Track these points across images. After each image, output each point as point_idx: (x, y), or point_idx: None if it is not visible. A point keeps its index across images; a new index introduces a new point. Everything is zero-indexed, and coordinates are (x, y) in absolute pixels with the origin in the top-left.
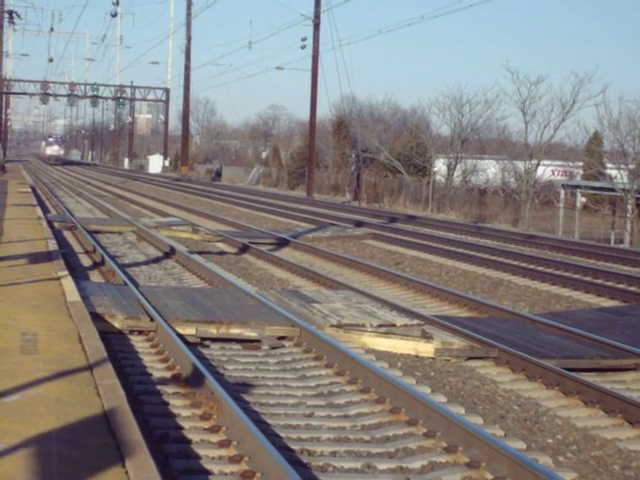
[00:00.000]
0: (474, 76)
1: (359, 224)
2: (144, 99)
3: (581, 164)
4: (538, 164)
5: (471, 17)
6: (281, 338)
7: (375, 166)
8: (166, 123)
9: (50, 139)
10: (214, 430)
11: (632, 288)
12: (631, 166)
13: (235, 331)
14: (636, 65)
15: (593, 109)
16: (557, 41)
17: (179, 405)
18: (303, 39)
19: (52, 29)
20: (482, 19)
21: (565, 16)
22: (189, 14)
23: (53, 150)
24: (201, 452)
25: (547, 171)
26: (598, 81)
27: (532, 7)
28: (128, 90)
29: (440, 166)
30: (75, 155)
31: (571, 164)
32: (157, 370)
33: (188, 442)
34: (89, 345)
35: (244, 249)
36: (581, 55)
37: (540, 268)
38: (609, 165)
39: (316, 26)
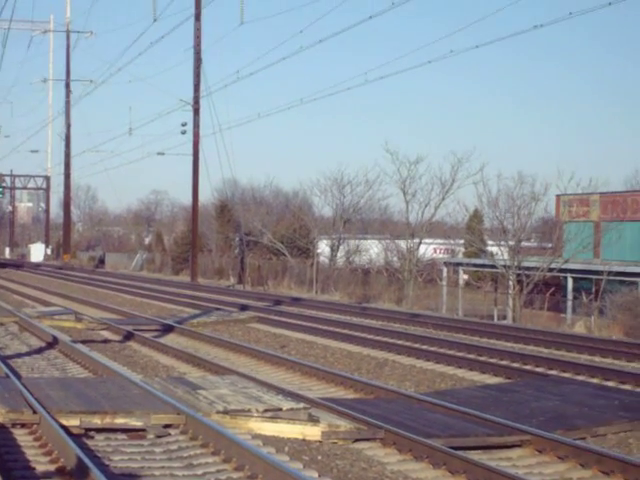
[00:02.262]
0: (354, 157)
1: (244, 308)
2: (24, 187)
3: (462, 242)
4: (420, 243)
5: (349, 98)
6: (167, 426)
7: (259, 249)
8: (47, 211)
9: None
10: None
11: (515, 364)
12: (511, 242)
13: (120, 421)
14: (513, 142)
15: (472, 187)
16: (435, 121)
17: None
18: (183, 124)
19: None
20: (361, 100)
21: (441, 95)
22: (68, 101)
23: None
24: None
25: (429, 249)
26: (476, 160)
27: (409, 87)
28: (8, 179)
29: (323, 247)
30: None
31: (452, 242)
32: (41, 464)
33: None
34: None
35: (129, 336)
36: (459, 134)
37: (425, 347)
38: (490, 242)
39: (196, 111)
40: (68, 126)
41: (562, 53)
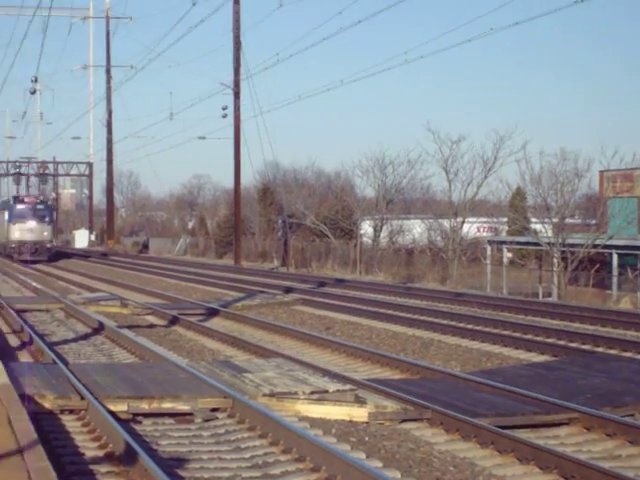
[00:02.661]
0: (396, 137)
1: (288, 290)
2: (67, 174)
3: (506, 220)
4: (463, 221)
5: (390, 79)
6: (214, 410)
7: (302, 231)
8: (90, 197)
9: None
10: None
11: (561, 342)
12: (555, 220)
13: (167, 405)
14: (555, 119)
15: (515, 165)
16: (477, 99)
17: None
18: (224, 108)
19: None
20: (401, 80)
21: (482, 74)
22: (109, 88)
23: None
24: None
25: (472, 228)
26: (518, 137)
27: (449, 66)
28: (51, 166)
29: (366, 228)
30: None
31: (496, 220)
32: (89, 449)
33: None
34: (19, 428)
35: (174, 321)
36: (500, 113)
37: (470, 326)
38: (533, 219)
39: (236, 95)
40: (109, 112)
41: (604, 28)
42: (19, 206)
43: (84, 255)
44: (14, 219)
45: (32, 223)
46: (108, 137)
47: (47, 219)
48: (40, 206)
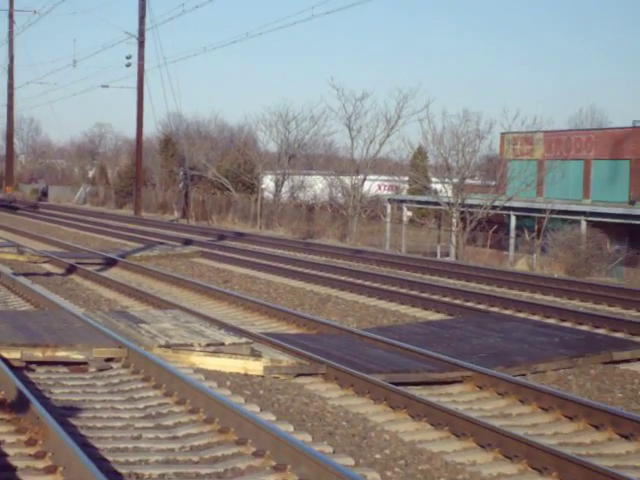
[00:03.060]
0: (300, 93)
1: (188, 242)
2: None
3: (407, 179)
4: (364, 179)
5: (295, 33)
6: (109, 360)
7: (203, 183)
8: None
9: None
10: (39, 456)
11: (457, 301)
12: (455, 180)
13: (62, 354)
14: (457, 80)
15: (417, 124)
16: (381, 57)
17: (3, 432)
18: (128, 57)
19: None
20: (305, 36)
21: (388, 32)
22: (11, 32)
23: None
24: (26, 479)
25: (374, 186)
26: (422, 97)
27: (355, 23)
28: None
29: (268, 183)
30: None
31: (397, 179)
32: None
33: (13, 469)
34: None
35: (71, 270)
36: (404, 71)
37: (367, 283)
38: (434, 179)
39: (141, 44)
40: (11, 57)
41: None
42: None
43: None
44: None
45: None
46: (9, 82)
47: None
48: None
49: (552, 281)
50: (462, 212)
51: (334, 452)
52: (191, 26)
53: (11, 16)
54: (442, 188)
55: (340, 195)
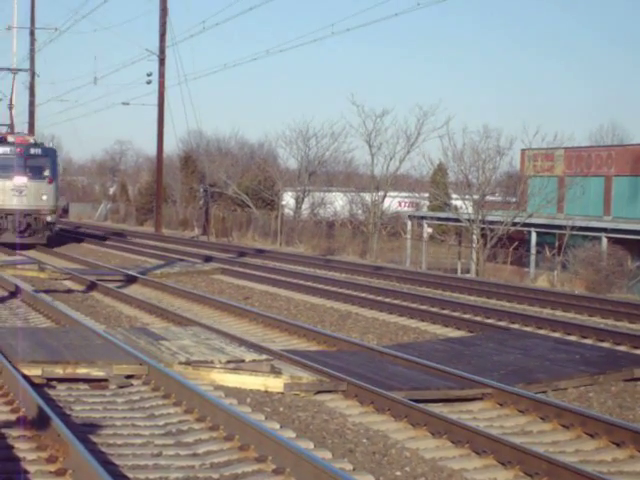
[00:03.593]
0: (321, 110)
1: (208, 259)
2: None
3: (427, 195)
4: (385, 196)
5: (316, 50)
6: (129, 377)
7: (223, 200)
8: None
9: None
10: (60, 473)
11: (478, 318)
12: (475, 196)
13: (82, 371)
14: (478, 96)
15: (438, 141)
16: (402, 74)
17: (24, 448)
18: (149, 74)
19: None
20: (327, 52)
21: (408, 49)
22: (32, 49)
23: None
24: None
25: (394, 202)
26: (442, 113)
27: (375, 39)
28: None
29: (288, 199)
30: None
31: (417, 195)
32: (1, 413)
33: None
34: None
35: (92, 287)
36: (425, 88)
37: (388, 300)
38: (454, 196)
39: (161, 61)
40: (32, 75)
41: (525, 4)
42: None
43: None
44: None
45: (22, 180)
46: (30, 99)
47: (47, 173)
48: (35, 150)
49: (573, 298)
50: (483, 229)
51: (354, 469)
52: (212, 43)
53: (32, 33)
54: (462, 205)
55: (360, 212)
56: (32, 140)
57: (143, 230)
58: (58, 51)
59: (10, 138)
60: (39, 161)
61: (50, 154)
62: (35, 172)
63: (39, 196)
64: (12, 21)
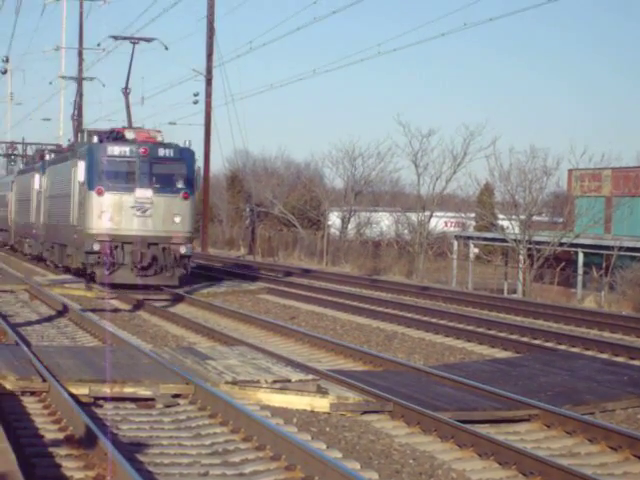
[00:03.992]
0: (367, 130)
1: (254, 279)
2: None
3: (473, 215)
4: (431, 216)
5: (362, 70)
6: (176, 396)
7: (269, 220)
8: None
9: (116, 150)
10: None
11: (524, 339)
12: (522, 217)
13: (129, 390)
14: (525, 116)
15: (484, 161)
16: (448, 94)
17: (72, 467)
18: (195, 94)
19: None
20: (373, 72)
21: (454, 69)
22: (80, 70)
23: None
24: None
25: (440, 222)
26: (488, 133)
27: (422, 59)
28: (20, 147)
29: (334, 219)
30: None
31: (463, 215)
32: (49, 432)
33: None
34: None
35: (138, 306)
36: (471, 108)
37: (434, 320)
38: (500, 216)
39: (208, 81)
40: (80, 95)
41: (578, 25)
42: (115, 150)
43: None
44: (100, 182)
45: (146, 193)
46: (78, 119)
47: (182, 185)
48: (166, 152)
49: (620, 319)
50: (529, 249)
51: None
52: (258, 63)
53: (80, 54)
54: (509, 225)
55: (406, 232)
56: (160, 138)
57: None
58: (105, 71)
59: (129, 134)
60: (171, 167)
61: (186, 157)
62: (165, 183)
63: (170, 217)
64: (61, 41)
